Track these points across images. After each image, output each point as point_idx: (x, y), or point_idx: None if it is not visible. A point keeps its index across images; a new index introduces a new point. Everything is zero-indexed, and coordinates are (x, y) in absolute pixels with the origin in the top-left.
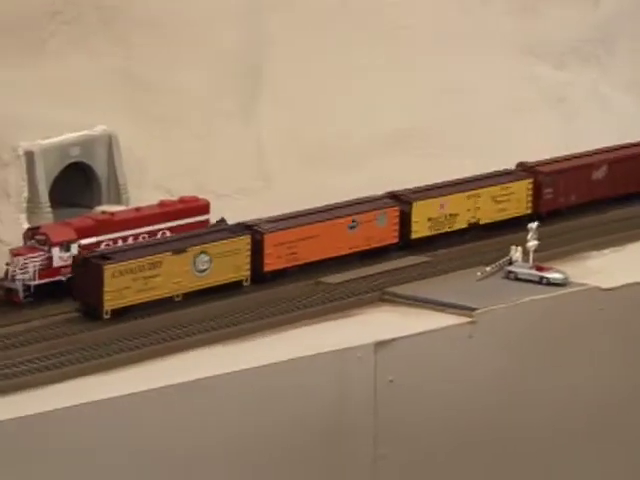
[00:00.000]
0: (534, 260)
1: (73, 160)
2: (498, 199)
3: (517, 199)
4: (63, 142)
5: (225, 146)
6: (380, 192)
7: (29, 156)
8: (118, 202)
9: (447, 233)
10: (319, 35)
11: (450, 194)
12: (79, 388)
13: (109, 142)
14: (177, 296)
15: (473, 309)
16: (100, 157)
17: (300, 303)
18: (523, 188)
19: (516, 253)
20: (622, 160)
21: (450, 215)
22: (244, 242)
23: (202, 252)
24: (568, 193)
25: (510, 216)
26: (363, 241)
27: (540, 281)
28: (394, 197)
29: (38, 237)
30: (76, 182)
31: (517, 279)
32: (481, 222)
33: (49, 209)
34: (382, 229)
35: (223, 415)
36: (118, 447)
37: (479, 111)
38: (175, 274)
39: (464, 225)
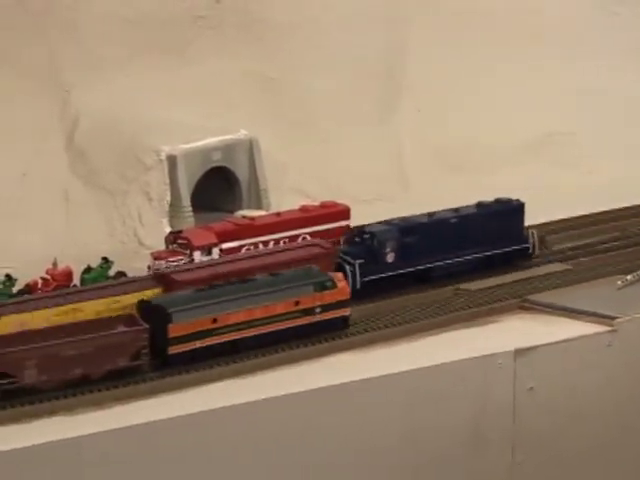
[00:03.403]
0: None
1: (215, 164)
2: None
3: None
4: (205, 146)
5: (363, 151)
6: (515, 197)
7: (171, 160)
8: (259, 207)
9: None
10: (456, 39)
11: (34, 310)
12: None
13: (250, 146)
14: None
15: (613, 317)
16: (241, 162)
17: (439, 310)
18: None
19: None
20: (288, 264)
21: None
22: None
23: None
24: None
25: None
26: None
27: None
28: None
29: (180, 241)
30: (217, 186)
31: None
32: None
33: (191, 213)
34: None
35: (363, 420)
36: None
37: (613, 116)
38: None
39: None
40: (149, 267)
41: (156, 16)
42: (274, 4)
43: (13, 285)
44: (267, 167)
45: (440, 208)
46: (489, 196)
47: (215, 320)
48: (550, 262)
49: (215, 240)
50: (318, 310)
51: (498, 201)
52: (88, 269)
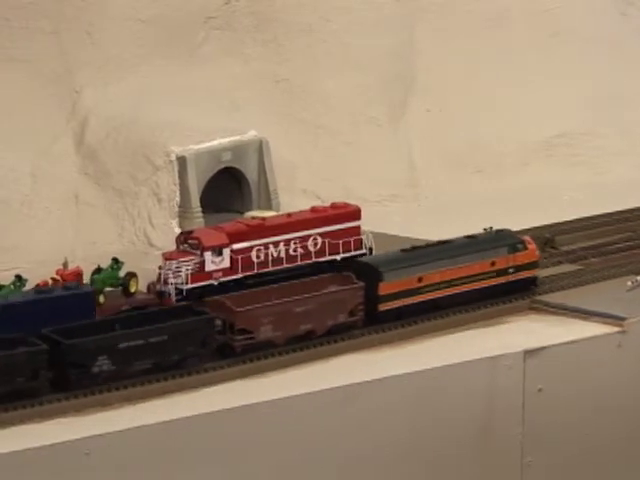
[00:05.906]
0: None
1: (224, 165)
2: None
3: None
4: (215, 147)
5: (374, 152)
6: (528, 199)
7: (181, 161)
8: (268, 207)
9: None
10: (469, 42)
11: None
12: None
13: (260, 147)
14: None
15: (623, 318)
16: (251, 162)
17: (449, 310)
18: None
19: None
20: None
21: None
22: None
23: None
24: None
25: None
26: None
27: None
28: None
29: (190, 241)
30: (227, 187)
31: None
32: None
33: (200, 214)
34: None
35: (372, 421)
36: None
37: (625, 117)
38: None
39: None
40: (160, 267)
41: (166, 17)
42: (285, 5)
43: (23, 285)
44: (277, 168)
45: (451, 211)
46: (497, 195)
47: (420, 279)
48: (560, 263)
49: (226, 240)
50: (511, 270)
51: (66, 287)
52: (98, 270)
